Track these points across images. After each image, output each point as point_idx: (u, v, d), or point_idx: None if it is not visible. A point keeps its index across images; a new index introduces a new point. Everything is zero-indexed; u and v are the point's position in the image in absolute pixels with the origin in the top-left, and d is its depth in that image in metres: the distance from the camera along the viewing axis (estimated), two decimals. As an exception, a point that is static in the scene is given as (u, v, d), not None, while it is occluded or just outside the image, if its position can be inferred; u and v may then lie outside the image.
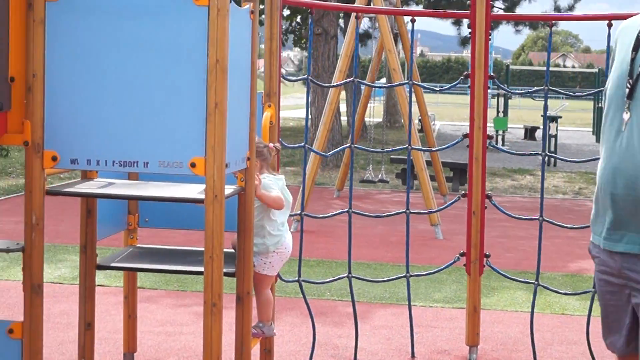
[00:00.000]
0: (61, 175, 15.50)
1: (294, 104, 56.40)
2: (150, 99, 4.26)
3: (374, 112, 16.54)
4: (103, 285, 8.64)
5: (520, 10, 33.11)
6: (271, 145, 5.43)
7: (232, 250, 5.18)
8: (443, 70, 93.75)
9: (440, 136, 33.28)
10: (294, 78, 6.23)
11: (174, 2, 4.23)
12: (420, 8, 32.73)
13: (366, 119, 17.34)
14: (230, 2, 4.25)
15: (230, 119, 4.33)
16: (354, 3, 13.12)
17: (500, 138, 29.04)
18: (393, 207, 15.29)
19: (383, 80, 26.67)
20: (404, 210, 6.66)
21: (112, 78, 4.28)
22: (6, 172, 18.27)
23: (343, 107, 25.97)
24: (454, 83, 6.61)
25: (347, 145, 6.53)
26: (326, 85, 6.68)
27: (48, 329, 7.09)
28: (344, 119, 28.55)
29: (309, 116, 20.90)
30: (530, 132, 32.43)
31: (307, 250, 10.72)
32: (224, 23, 4.18)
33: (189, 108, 4.25)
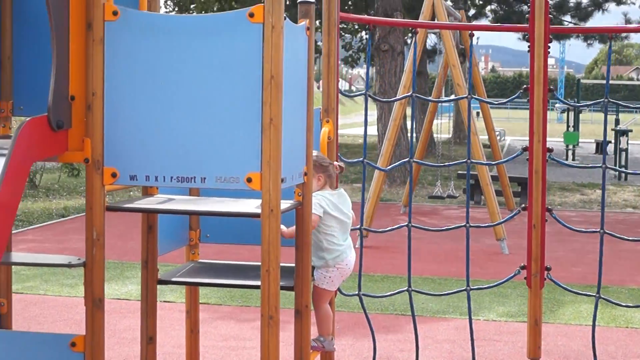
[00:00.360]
0: (131, 193, 15.71)
1: (372, 120, 56.37)
2: (207, 115, 4.33)
3: (443, 128, 16.54)
4: (169, 301, 8.74)
5: (592, 23, 32.84)
6: (335, 163, 5.49)
7: (291, 265, 5.22)
8: (514, 86, 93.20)
9: (511, 151, 33.00)
10: (351, 94, 6.27)
11: (230, 20, 4.29)
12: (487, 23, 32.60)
13: (435, 135, 17.32)
14: (285, 19, 4.30)
15: (285, 134, 4.37)
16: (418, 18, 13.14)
17: (570, 152, 28.79)
18: (460, 222, 15.16)
19: (453, 96, 26.59)
20: (464, 224, 6.64)
21: (170, 95, 4.36)
22: (77, 191, 18.56)
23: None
24: (512, 97, 6.60)
25: (406, 159, 6.54)
26: (384, 100, 6.71)
27: (114, 344, 7.21)
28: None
29: (377, 132, 21.00)
30: (601, 147, 32.13)
31: (372, 266, 10.76)
32: (278, 40, 4.23)
33: (244, 124, 4.30)
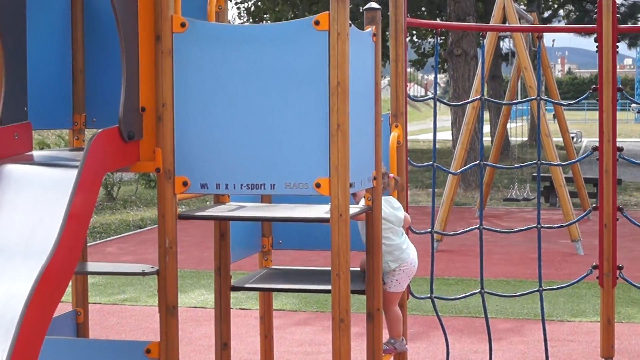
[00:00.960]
0: (207, 202, 15.86)
1: (439, 126, 56.17)
2: (275, 123, 4.38)
3: (519, 131, 16.46)
4: (244, 309, 8.83)
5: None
6: (391, 175, 5.49)
7: (361, 270, 5.26)
8: (589, 87, 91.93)
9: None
10: (420, 99, 6.29)
11: (296, 29, 4.34)
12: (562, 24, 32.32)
13: (511, 138, 17.24)
14: (351, 26, 4.34)
15: (353, 140, 4.41)
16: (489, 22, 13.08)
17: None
18: (534, 225, 15.08)
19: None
20: (535, 225, 6.61)
21: (238, 104, 4.42)
22: (153, 202, 18.78)
23: (487, 128, 25.82)
24: (581, 98, 6.57)
25: (477, 162, 6.53)
26: (453, 104, 6.70)
27: (190, 351, 7.29)
28: (487, 139, 28.39)
29: (452, 137, 20.93)
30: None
31: (446, 269, 10.75)
32: (344, 46, 4.27)
33: (312, 130, 4.34)
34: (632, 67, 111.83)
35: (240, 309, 8.71)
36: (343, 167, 4.33)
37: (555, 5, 33.77)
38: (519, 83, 14.97)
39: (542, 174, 7.28)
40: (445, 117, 66.12)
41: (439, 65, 38.33)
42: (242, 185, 4.45)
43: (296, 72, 4.36)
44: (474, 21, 20.36)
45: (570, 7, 33.06)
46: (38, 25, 4.73)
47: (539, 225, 6.53)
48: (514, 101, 9.17)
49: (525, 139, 27.43)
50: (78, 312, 5.28)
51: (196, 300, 9.34)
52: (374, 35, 4.94)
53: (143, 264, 11.33)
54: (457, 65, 20.54)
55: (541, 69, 14.11)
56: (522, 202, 16.54)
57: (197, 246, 11.72)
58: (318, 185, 4.36)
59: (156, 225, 14.38)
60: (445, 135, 44.55)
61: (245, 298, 9.09)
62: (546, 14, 32.94)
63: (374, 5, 5.07)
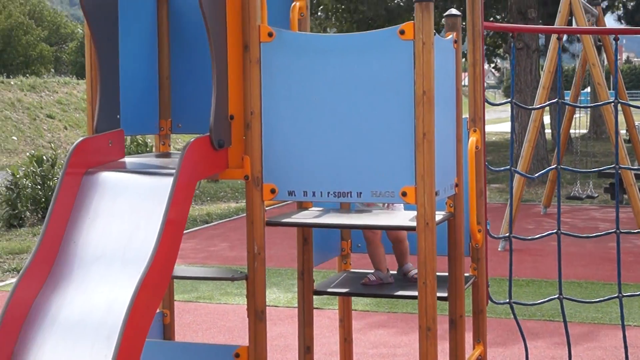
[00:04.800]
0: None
1: (495, 118, 55.88)
2: (361, 132, 4.46)
3: (580, 123, 16.31)
4: (317, 308, 8.89)
5: None
6: None
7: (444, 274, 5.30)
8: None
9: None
10: (499, 102, 6.31)
11: (381, 38, 4.41)
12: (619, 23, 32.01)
13: (571, 130, 17.09)
14: (435, 34, 4.39)
15: (437, 147, 4.46)
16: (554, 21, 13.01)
17: None
18: (602, 224, 15.04)
19: (588, 89, 26.15)
20: (613, 230, 6.58)
21: (325, 112, 4.50)
22: (218, 197, 18.93)
23: (546, 119, 25.67)
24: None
25: (554, 166, 6.53)
26: (530, 107, 6.71)
27: (267, 351, 7.37)
28: (547, 131, 28.20)
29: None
30: None
31: (516, 270, 10.69)
32: (429, 56, 4.33)
33: (398, 139, 4.41)
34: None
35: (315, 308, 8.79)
36: (429, 176, 4.39)
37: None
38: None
39: (606, 171, 7.23)
40: (501, 109, 65.87)
41: (495, 56, 38.19)
42: (328, 193, 4.54)
43: (381, 81, 4.43)
44: (535, 13, 20.21)
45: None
46: (127, 33, 4.85)
47: (617, 231, 6.49)
48: (590, 104, 9.12)
49: (586, 131, 27.13)
50: (164, 314, 5.40)
51: (268, 299, 9.41)
52: (455, 42, 5.00)
53: (212, 261, 11.50)
54: (519, 59, 20.45)
55: (610, 64, 14.10)
56: (587, 199, 16.37)
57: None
58: (404, 194, 4.43)
59: (222, 221, 14.58)
60: (503, 127, 44.39)
61: (317, 298, 9.16)
62: (604, 4, 32.61)
63: (454, 12, 5.11)
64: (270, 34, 4.52)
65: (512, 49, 6.39)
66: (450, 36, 4.99)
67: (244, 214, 16.21)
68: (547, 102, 6.59)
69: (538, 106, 7.63)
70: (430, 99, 4.35)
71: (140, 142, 19.62)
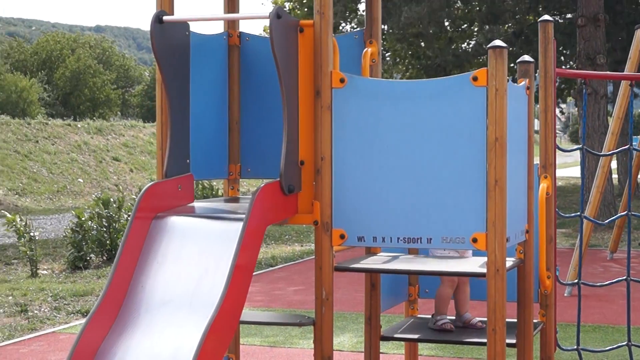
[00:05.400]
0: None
1: (561, 162, 55.39)
2: (432, 177, 4.44)
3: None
4: (382, 353, 8.82)
5: None
6: None
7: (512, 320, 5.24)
8: None
9: None
10: (570, 149, 6.27)
11: (453, 84, 4.40)
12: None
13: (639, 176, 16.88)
14: (508, 81, 4.37)
15: (509, 193, 4.43)
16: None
17: None
18: (670, 269, 14.82)
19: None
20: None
21: (395, 158, 4.48)
22: (282, 239, 18.94)
23: (613, 164, 25.43)
24: None
25: (625, 213, 6.46)
26: (601, 154, 6.65)
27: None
28: (614, 176, 27.92)
29: (580, 175, 20.67)
30: None
31: (582, 315, 10.56)
32: (502, 102, 4.30)
33: (469, 185, 4.38)
34: None
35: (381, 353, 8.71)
36: (500, 223, 4.35)
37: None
38: None
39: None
40: (566, 154, 65.29)
41: (563, 100, 38.03)
42: (398, 238, 4.51)
43: (453, 127, 4.41)
44: (604, 59, 20.10)
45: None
46: (199, 78, 4.89)
47: (687, 278, 6.38)
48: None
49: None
50: (230, 358, 5.39)
51: (333, 344, 9.36)
52: (528, 88, 4.97)
53: (277, 304, 11.48)
54: (587, 104, 20.29)
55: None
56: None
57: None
58: (475, 240, 4.40)
59: (287, 264, 14.53)
60: (565, 172, 44.09)
61: (383, 343, 9.10)
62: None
63: (527, 58, 5.09)
64: (342, 80, 4.53)
65: (583, 95, 6.32)
66: (523, 82, 4.97)
67: (309, 257, 16.27)
68: (618, 149, 6.52)
69: (609, 153, 7.54)
70: (502, 145, 4.32)
71: (206, 185, 19.73)
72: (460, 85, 4.39)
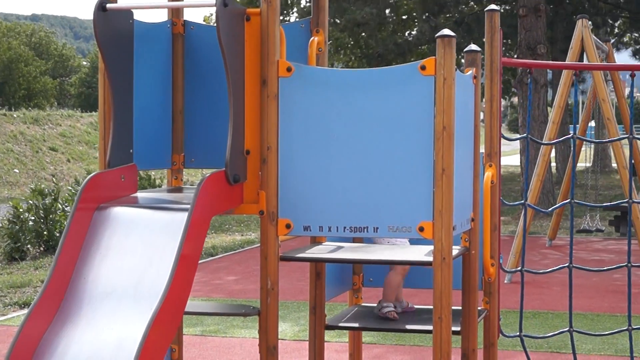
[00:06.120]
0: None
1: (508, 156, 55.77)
2: (379, 167, 4.42)
3: (585, 157, 16.32)
4: (326, 341, 8.81)
5: None
6: None
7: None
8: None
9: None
10: (514, 137, 6.28)
11: (401, 74, 4.38)
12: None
13: (579, 164, 17.10)
14: (456, 70, 4.36)
15: (455, 182, 4.42)
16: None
17: None
18: (605, 256, 15.04)
19: (592, 123, 26.15)
20: (625, 263, 6.54)
21: (342, 148, 4.45)
22: (222, 229, 18.86)
23: (552, 153, 25.64)
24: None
25: (567, 201, 6.50)
26: (547, 142, 6.68)
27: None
28: (552, 164, 28.21)
29: (520, 164, 20.83)
30: None
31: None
32: (450, 91, 4.29)
33: (416, 174, 4.37)
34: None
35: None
36: (447, 211, 4.35)
37: (620, 31, 33.50)
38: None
39: (611, 203, 7.25)
40: (503, 143, 65.77)
41: (503, 93, 38.28)
42: (345, 228, 4.49)
43: (401, 117, 4.39)
44: (544, 49, 20.25)
45: (636, 34, 32.83)
46: (142, 68, 4.82)
47: (629, 264, 6.46)
48: (605, 140, 9.10)
49: (589, 164, 27.10)
50: (173, 349, 5.33)
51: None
52: (474, 77, 4.97)
53: (218, 294, 11.41)
54: (527, 94, 20.46)
55: (618, 99, 14.09)
56: (595, 232, 16.36)
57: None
58: (421, 229, 4.39)
59: (228, 254, 14.48)
60: (511, 160, 44.20)
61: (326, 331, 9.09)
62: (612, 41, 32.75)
63: (474, 47, 5.09)
64: (289, 69, 4.49)
65: (529, 84, 6.34)
66: (470, 72, 4.97)
67: (249, 247, 16.22)
68: (563, 138, 6.56)
69: (554, 141, 7.60)
70: (450, 134, 4.32)
71: (143, 176, 19.56)
72: (408, 74, 4.37)
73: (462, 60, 4.73)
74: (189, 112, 5.18)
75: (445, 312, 4.43)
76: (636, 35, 32.92)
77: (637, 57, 32.60)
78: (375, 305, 5.73)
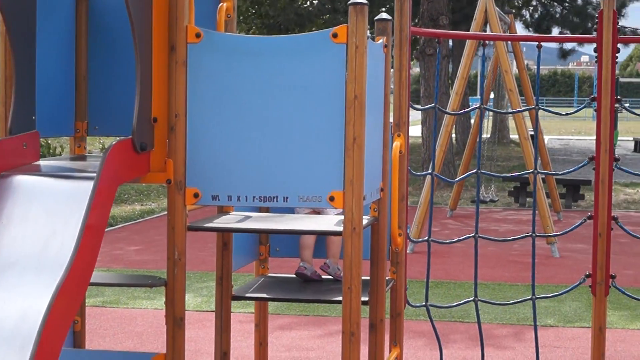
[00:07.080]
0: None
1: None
2: (290, 135, 4.35)
3: (484, 128, 16.49)
4: (232, 312, 8.76)
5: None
6: None
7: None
8: (550, 84, 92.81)
9: (550, 151, 32.84)
10: (422, 107, 6.28)
11: (313, 41, 4.31)
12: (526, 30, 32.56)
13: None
14: (368, 38, 4.31)
15: (366, 152, 4.38)
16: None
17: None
18: (505, 225, 15.30)
19: (491, 95, 26.50)
20: (529, 234, 6.62)
21: (252, 116, 4.38)
22: (122, 199, 18.63)
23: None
24: (580, 107, 6.59)
25: (474, 171, 6.54)
26: (454, 112, 6.69)
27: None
28: (452, 135, 28.44)
29: (421, 135, 21.00)
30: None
31: (424, 271, 10.74)
32: (362, 59, 4.24)
33: (327, 143, 4.32)
34: (589, 64, 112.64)
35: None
36: (358, 181, 4.31)
37: (518, 4, 33.92)
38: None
39: (510, 174, 7.35)
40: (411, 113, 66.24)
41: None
42: (254, 197, 4.42)
43: (312, 85, 4.33)
44: (446, 20, 20.37)
45: (532, 9, 33.31)
46: (44, 32, 4.65)
47: (533, 234, 6.54)
48: (511, 110, 9.17)
49: (487, 135, 27.48)
50: (76, 321, 5.21)
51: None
52: (385, 46, 4.93)
53: (119, 265, 11.27)
54: (429, 65, 20.60)
55: (520, 71, 14.27)
56: (490, 203, 16.68)
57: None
58: (332, 199, 4.34)
59: (127, 224, 14.30)
60: (413, 130, 44.61)
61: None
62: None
63: (385, 16, 5.04)
64: (198, 35, 4.38)
65: (438, 54, 6.34)
66: (381, 40, 4.92)
67: (150, 217, 16.04)
68: (471, 108, 6.59)
69: (462, 111, 7.62)
70: (361, 103, 4.27)
71: (43, 144, 19.19)
72: (320, 41, 4.30)
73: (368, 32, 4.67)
74: (93, 78, 5.03)
75: (355, 282, 4.40)
76: (531, 8, 33.37)
77: (529, 29, 33.05)
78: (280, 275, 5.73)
